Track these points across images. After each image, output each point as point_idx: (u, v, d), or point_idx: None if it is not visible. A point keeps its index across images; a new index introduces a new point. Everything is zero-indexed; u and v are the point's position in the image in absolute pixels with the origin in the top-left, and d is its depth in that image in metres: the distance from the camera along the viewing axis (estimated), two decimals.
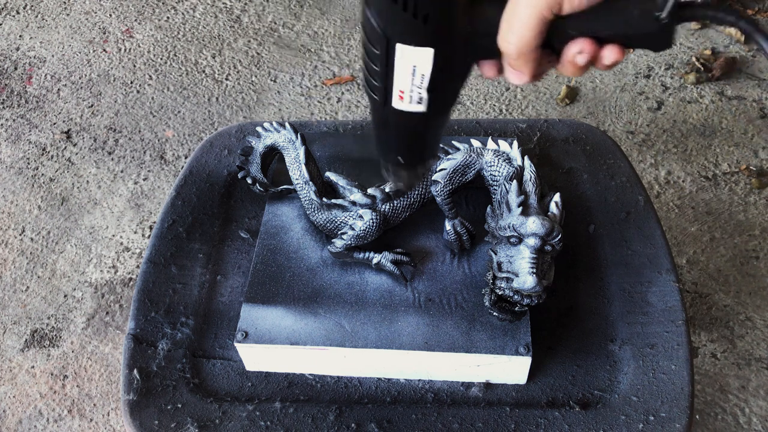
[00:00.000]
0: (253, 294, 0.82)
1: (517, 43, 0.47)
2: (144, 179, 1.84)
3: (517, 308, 0.77)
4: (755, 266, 1.59)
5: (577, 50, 0.47)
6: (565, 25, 0.47)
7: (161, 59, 2.16)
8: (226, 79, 2.09)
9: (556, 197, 0.79)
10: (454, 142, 0.89)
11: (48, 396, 1.44)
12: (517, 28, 0.47)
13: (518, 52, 0.48)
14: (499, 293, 0.76)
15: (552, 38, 0.47)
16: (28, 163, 1.89)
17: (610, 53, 0.47)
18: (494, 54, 0.50)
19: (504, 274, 0.75)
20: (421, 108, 0.52)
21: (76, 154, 1.91)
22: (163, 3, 2.35)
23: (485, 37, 0.49)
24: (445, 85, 0.52)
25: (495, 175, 0.85)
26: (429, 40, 0.48)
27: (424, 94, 0.51)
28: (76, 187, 1.83)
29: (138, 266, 1.65)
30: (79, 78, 2.13)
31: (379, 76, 0.51)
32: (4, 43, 2.25)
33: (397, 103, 0.52)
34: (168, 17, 2.30)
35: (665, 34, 0.46)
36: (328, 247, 0.86)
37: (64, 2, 2.39)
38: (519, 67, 0.49)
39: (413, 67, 0.49)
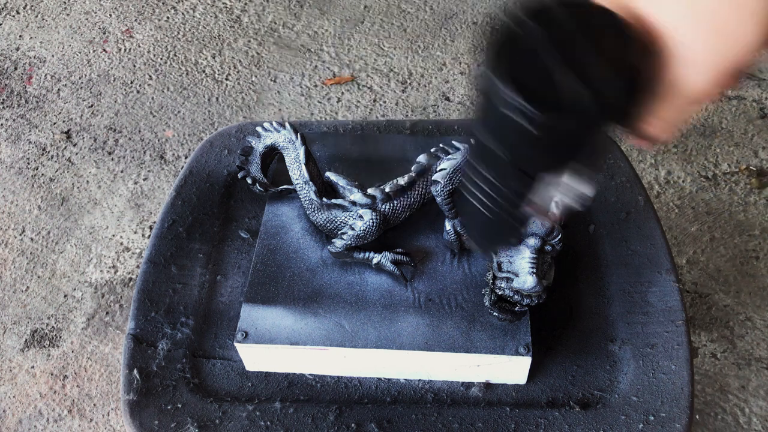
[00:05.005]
0: (253, 294, 0.82)
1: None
2: (144, 179, 1.84)
3: (517, 308, 0.77)
4: (755, 266, 1.59)
5: None
6: None
7: (161, 59, 2.16)
8: (226, 79, 2.09)
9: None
10: (454, 142, 0.89)
11: (48, 396, 1.44)
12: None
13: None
14: (499, 293, 0.76)
15: None
16: (28, 163, 1.89)
17: None
18: None
19: (504, 274, 0.75)
20: None
21: (76, 154, 1.91)
22: (163, 3, 2.35)
23: None
24: None
25: None
26: None
27: None
28: (76, 187, 1.83)
29: (138, 266, 1.65)
30: (79, 78, 2.13)
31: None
32: (4, 43, 2.25)
33: None
34: (168, 17, 2.30)
35: None
36: (328, 247, 0.86)
37: (64, 2, 2.39)
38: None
39: None
